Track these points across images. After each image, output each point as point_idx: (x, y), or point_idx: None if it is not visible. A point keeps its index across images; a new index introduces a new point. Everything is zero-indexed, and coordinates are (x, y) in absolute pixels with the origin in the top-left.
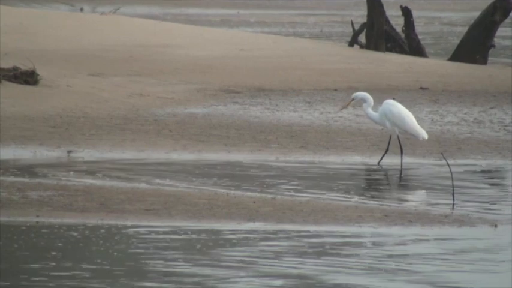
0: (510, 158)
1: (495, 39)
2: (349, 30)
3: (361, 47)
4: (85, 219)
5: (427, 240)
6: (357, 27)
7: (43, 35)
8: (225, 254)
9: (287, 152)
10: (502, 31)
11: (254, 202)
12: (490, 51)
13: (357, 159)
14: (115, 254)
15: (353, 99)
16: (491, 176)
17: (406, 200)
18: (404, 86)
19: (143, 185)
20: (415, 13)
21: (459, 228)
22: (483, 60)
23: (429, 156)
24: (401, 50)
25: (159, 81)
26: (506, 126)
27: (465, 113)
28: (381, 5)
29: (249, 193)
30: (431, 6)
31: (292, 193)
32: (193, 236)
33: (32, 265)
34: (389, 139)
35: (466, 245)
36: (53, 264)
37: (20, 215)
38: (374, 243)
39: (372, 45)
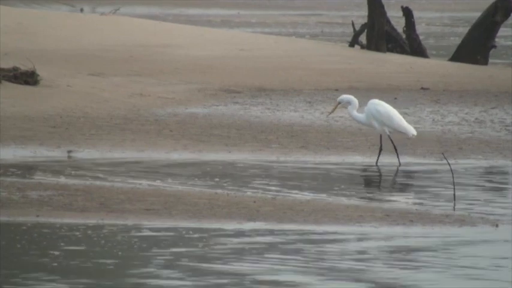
0: (511, 158)
1: (496, 40)
2: (349, 30)
3: (362, 47)
4: (85, 219)
5: (428, 240)
6: (357, 27)
7: (43, 35)
8: (225, 253)
9: (288, 152)
10: (503, 31)
11: (254, 202)
12: (491, 52)
13: (358, 159)
14: (115, 253)
15: (339, 103)
16: (492, 176)
17: (407, 200)
18: (405, 86)
19: (143, 185)
20: (416, 13)
21: (460, 228)
22: (484, 61)
23: (430, 156)
24: (402, 51)
25: (160, 81)
26: (507, 126)
27: (466, 113)
28: (382, 6)
29: (249, 193)
30: (433, 6)
31: (293, 193)
32: (194, 235)
33: (32, 265)
34: (380, 138)
35: (467, 244)
36: (53, 264)
37: (20, 215)
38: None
39: (372, 45)
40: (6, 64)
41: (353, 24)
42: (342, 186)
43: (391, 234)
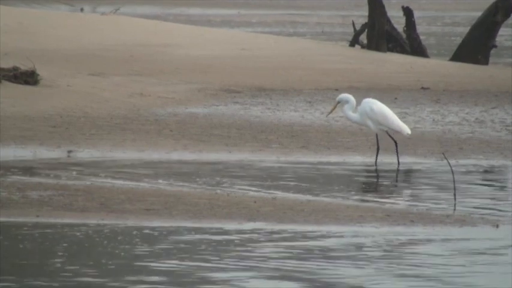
0: (511, 158)
1: (496, 40)
2: (350, 30)
3: (363, 47)
4: (85, 219)
5: (429, 240)
6: (358, 27)
7: (43, 35)
8: (225, 253)
9: (288, 151)
10: (503, 31)
11: (255, 202)
12: (492, 52)
13: (358, 159)
14: (116, 253)
15: (338, 103)
16: (493, 176)
17: (408, 200)
18: (406, 86)
19: (143, 185)
20: (417, 13)
21: (460, 228)
22: (485, 61)
23: (430, 156)
24: (402, 50)
25: (160, 81)
26: (507, 126)
27: (466, 113)
28: (382, 5)
29: (249, 193)
30: (433, 6)
31: (293, 193)
32: (195, 235)
33: (32, 265)
34: (377, 138)
35: (467, 244)
36: (54, 263)
37: (20, 215)
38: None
39: (373, 45)
40: (6, 64)
41: (353, 24)
42: (343, 186)
43: (392, 234)
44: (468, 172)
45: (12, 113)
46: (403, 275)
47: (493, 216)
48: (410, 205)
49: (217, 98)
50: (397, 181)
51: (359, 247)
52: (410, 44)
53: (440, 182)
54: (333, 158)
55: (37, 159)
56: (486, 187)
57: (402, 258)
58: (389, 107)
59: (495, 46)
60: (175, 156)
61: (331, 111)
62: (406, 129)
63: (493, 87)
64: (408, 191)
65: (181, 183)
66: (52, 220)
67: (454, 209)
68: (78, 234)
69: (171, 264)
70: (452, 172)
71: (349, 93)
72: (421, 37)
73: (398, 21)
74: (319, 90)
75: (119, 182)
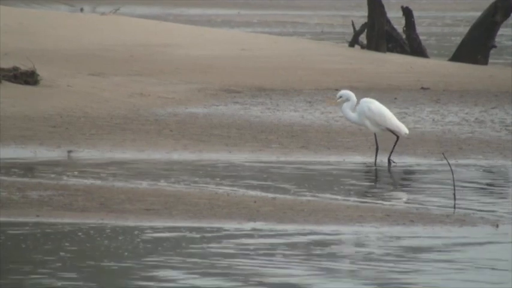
0: (511, 158)
1: (496, 40)
2: (350, 30)
3: (362, 47)
4: (85, 219)
5: (430, 240)
6: (357, 27)
7: (43, 35)
8: (226, 253)
9: (288, 151)
10: (503, 31)
11: (255, 202)
12: (492, 52)
13: (358, 159)
14: (117, 253)
15: (340, 97)
16: (493, 176)
17: (408, 200)
18: (405, 86)
19: (143, 185)
20: (417, 13)
21: (460, 228)
22: (484, 61)
23: (430, 156)
24: (402, 51)
25: (160, 81)
26: (507, 126)
27: (466, 113)
28: (382, 6)
29: (249, 193)
30: (433, 6)
31: (293, 193)
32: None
33: (31, 265)
34: (375, 137)
35: (467, 244)
36: (54, 263)
37: (20, 215)
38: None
39: (372, 45)
40: (6, 64)
41: (353, 24)
42: (343, 186)
43: (392, 234)
44: (468, 172)
45: (12, 113)
46: (403, 274)
47: (493, 216)
48: (410, 205)
49: (217, 98)
50: (397, 181)
51: (359, 247)
52: (410, 44)
53: (440, 182)
54: (333, 158)
55: (37, 159)
56: (486, 187)
57: (402, 259)
58: (389, 107)
59: (495, 46)
60: (175, 156)
61: (333, 104)
62: (404, 129)
63: (492, 87)
64: (408, 191)
65: (181, 183)
66: (52, 220)
67: (454, 209)
68: (79, 234)
69: (171, 264)
70: (452, 172)
71: None
72: (421, 37)
73: (398, 21)
74: (319, 90)
75: (118, 182)
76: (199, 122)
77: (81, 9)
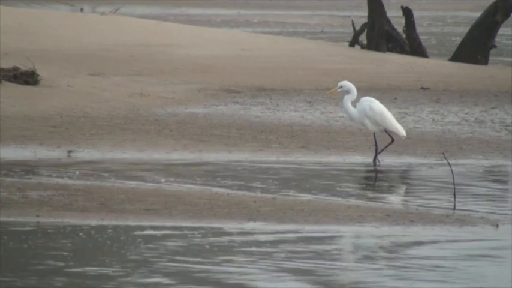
0: (511, 158)
1: (496, 40)
2: (350, 30)
3: (362, 47)
4: (85, 219)
5: (429, 239)
6: (357, 27)
7: (43, 35)
8: (226, 253)
9: (288, 151)
10: (503, 31)
11: (255, 202)
12: (492, 51)
13: (358, 159)
14: (117, 253)
15: (340, 87)
16: (493, 176)
17: (408, 200)
18: (405, 86)
19: (143, 185)
20: (417, 13)
21: (460, 228)
22: (484, 61)
23: (430, 156)
24: (402, 51)
25: (160, 81)
26: (507, 126)
27: (466, 113)
28: (382, 5)
29: (249, 193)
30: (433, 6)
31: (293, 193)
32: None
33: (32, 265)
34: (374, 137)
35: (467, 244)
36: (54, 263)
37: (20, 215)
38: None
39: (372, 45)
40: (6, 64)
41: (353, 24)
42: (342, 186)
43: (392, 234)
44: (468, 172)
45: (12, 113)
46: (406, 271)
47: (493, 216)
48: (410, 205)
49: (217, 98)
50: (397, 181)
51: (359, 246)
52: (410, 44)
53: (440, 182)
54: (333, 158)
55: (37, 159)
56: (486, 187)
57: (403, 258)
58: (389, 107)
59: (495, 46)
60: (175, 156)
61: (332, 93)
62: (402, 131)
63: (492, 87)
64: (408, 191)
65: (181, 183)
66: (52, 220)
67: (454, 209)
68: (79, 234)
69: (171, 264)
70: (452, 172)
71: None
72: (422, 37)
73: (398, 21)
74: (319, 90)
75: (118, 182)
76: (199, 122)
77: (81, 9)
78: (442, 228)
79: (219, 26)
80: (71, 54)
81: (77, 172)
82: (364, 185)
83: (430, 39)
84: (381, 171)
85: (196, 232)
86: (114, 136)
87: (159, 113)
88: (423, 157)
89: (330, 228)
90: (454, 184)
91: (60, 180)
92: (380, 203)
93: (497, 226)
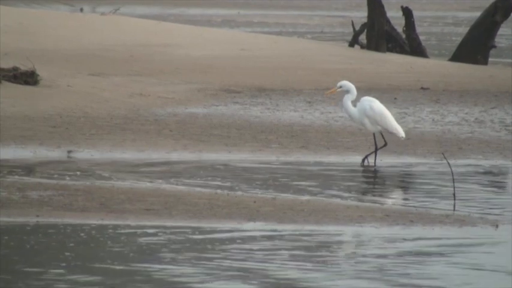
0: (511, 158)
1: (496, 40)
2: (349, 30)
3: (362, 47)
4: (85, 219)
5: (429, 240)
6: (357, 27)
7: (43, 35)
8: (226, 253)
9: (288, 152)
10: (503, 31)
11: (255, 202)
12: (492, 52)
13: (358, 159)
14: (117, 253)
15: (340, 87)
16: (493, 176)
17: (407, 200)
18: (405, 86)
19: (143, 185)
20: (417, 13)
21: (460, 228)
22: (484, 61)
23: (430, 156)
24: (401, 51)
25: (160, 81)
26: (507, 126)
27: (466, 113)
28: (382, 6)
29: (249, 193)
30: (433, 6)
31: (293, 193)
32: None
33: (32, 265)
34: (374, 137)
35: (467, 244)
36: (54, 263)
37: (20, 215)
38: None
39: (372, 45)
40: (6, 64)
41: (353, 24)
42: (342, 186)
43: (392, 234)
44: (468, 172)
45: (12, 113)
46: (403, 274)
47: (492, 216)
48: (409, 205)
49: (217, 98)
50: (396, 181)
51: (359, 246)
52: (410, 44)
53: (439, 182)
54: (333, 158)
55: (37, 159)
56: (486, 187)
57: (403, 258)
58: (389, 107)
59: (495, 46)
60: (175, 156)
61: (331, 93)
62: (401, 132)
63: (492, 87)
64: (408, 191)
65: (181, 183)
66: (52, 220)
67: (454, 209)
68: (80, 234)
69: (172, 264)
70: (452, 172)
71: None
72: (421, 37)
73: (398, 21)
74: (319, 90)
75: (118, 182)
76: (199, 122)
77: (81, 9)
78: (442, 229)
79: (219, 26)
80: (71, 54)
81: (77, 172)
82: (363, 185)
83: (430, 39)
84: (381, 172)
85: (196, 232)
86: (114, 136)
87: (159, 113)
88: (423, 157)
89: (330, 228)
90: (453, 184)
91: (60, 180)
92: (379, 203)
93: (496, 226)
